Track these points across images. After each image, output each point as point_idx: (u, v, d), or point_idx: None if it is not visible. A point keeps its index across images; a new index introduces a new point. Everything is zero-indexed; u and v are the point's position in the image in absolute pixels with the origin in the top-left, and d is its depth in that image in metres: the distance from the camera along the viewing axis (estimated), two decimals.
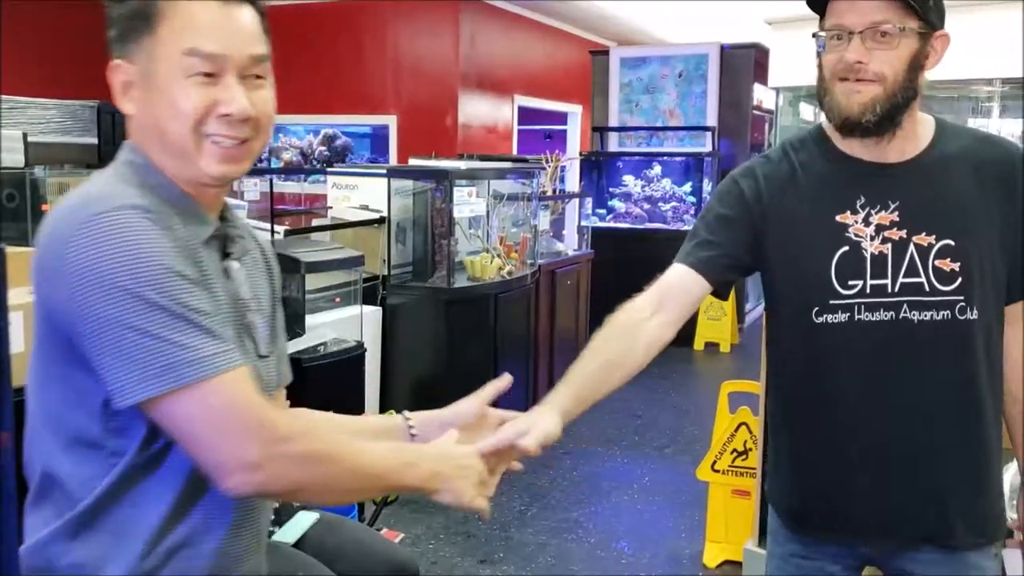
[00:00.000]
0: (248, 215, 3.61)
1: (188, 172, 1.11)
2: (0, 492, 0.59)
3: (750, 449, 3.33)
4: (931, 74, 2.77)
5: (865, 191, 1.41)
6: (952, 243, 1.38)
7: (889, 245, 1.39)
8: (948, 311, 1.38)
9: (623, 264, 7.28)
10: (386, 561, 2.30)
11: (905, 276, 1.38)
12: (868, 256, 1.39)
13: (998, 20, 2.50)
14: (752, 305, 8.07)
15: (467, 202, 4.54)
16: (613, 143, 8.20)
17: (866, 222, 1.40)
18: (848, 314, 1.40)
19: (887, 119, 1.36)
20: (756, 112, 7.81)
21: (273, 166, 8.71)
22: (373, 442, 1.25)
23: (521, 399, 4.97)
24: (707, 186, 7.56)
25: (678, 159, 7.79)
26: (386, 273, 4.43)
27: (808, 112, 3.54)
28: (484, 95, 8.21)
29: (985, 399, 1.42)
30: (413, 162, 5.56)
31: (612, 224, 7.79)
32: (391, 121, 8.09)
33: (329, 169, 5.21)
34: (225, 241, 1.17)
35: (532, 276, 5.06)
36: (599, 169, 8.06)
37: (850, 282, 1.40)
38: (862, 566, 1.57)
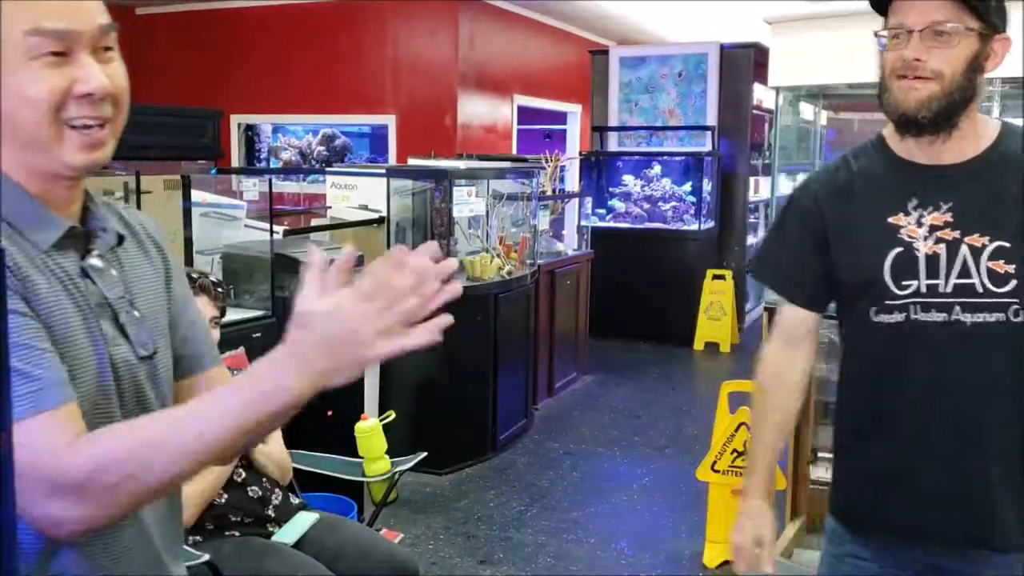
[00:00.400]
0: (247, 215, 3.60)
1: (43, 166, 0.99)
2: (0, 492, 0.58)
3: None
4: None
5: (918, 192, 1.43)
6: (1007, 245, 1.37)
7: (943, 246, 1.40)
8: (1002, 313, 1.37)
9: (623, 264, 7.32)
10: (386, 561, 2.30)
11: (958, 277, 1.39)
12: (921, 256, 1.40)
13: None
14: (752, 305, 8.07)
15: (466, 202, 4.54)
16: (613, 143, 8.20)
17: (919, 223, 1.42)
18: (904, 314, 1.42)
19: (943, 117, 1.38)
20: (756, 111, 7.80)
21: (272, 166, 8.71)
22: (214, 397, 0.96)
23: (520, 399, 4.96)
24: (707, 185, 7.56)
25: (678, 159, 7.79)
26: None
27: (808, 111, 3.53)
28: (483, 95, 8.21)
29: None
30: (412, 162, 5.56)
31: (612, 224, 7.78)
32: (390, 121, 8.08)
33: (328, 169, 5.20)
34: (88, 238, 1.06)
35: (532, 276, 5.06)
36: (599, 169, 8.06)
37: (904, 282, 1.41)
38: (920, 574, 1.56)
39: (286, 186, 8.12)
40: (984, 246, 1.38)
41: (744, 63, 7.60)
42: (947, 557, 1.49)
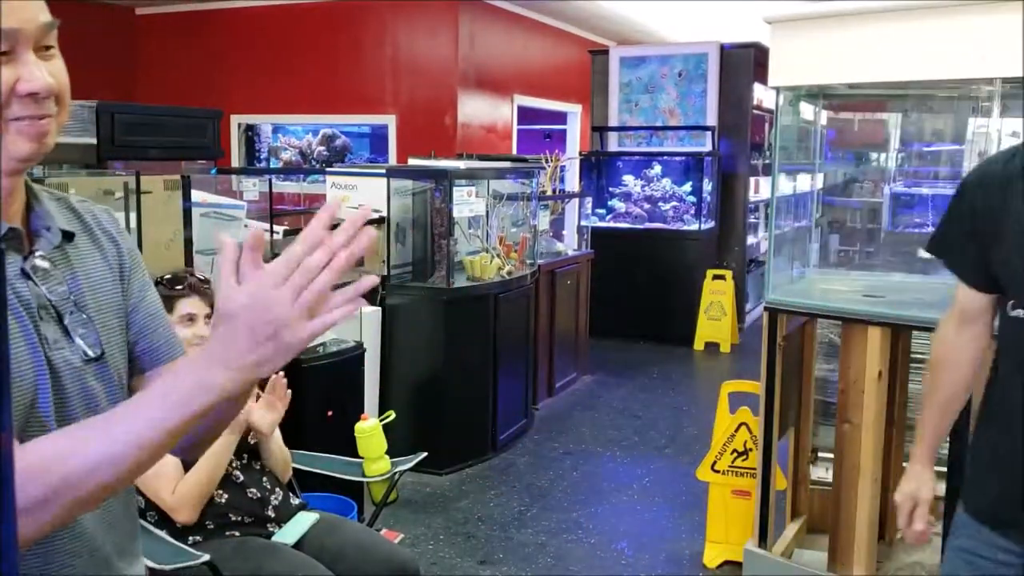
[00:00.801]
0: (247, 215, 3.60)
1: None
2: (0, 494, 0.58)
3: (750, 449, 3.33)
4: (932, 73, 2.76)
5: None
6: None
7: None
8: None
9: (623, 264, 7.32)
10: (386, 561, 2.30)
11: None
12: None
13: (998, 20, 2.50)
14: (752, 305, 8.07)
15: (466, 202, 4.54)
16: (613, 143, 8.20)
17: None
18: None
19: None
20: (756, 111, 7.80)
21: (272, 166, 8.71)
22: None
23: (520, 399, 4.96)
24: (707, 185, 7.56)
25: (678, 159, 7.79)
26: (385, 273, 4.42)
27: (808, 111, 3.53)
28: (483, 94, 8.21)
29: None
30: (412, 162, 5.56)
31: (612, 224, 7.78)
32: (390, 121, 8.08)
33: (328, 169, 5.20)
34: (31, 238, 1.04)
35: (532, 276, 5.06)
36: (599, 169, 8.06)
37: None
38: None
39: (286, 186, 8.12)
40: None
41: (744, 63, 7.60)
42: None
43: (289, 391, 2.40)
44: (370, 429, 2.85)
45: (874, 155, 4.27)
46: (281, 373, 2.41)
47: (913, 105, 3.89)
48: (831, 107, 3.75)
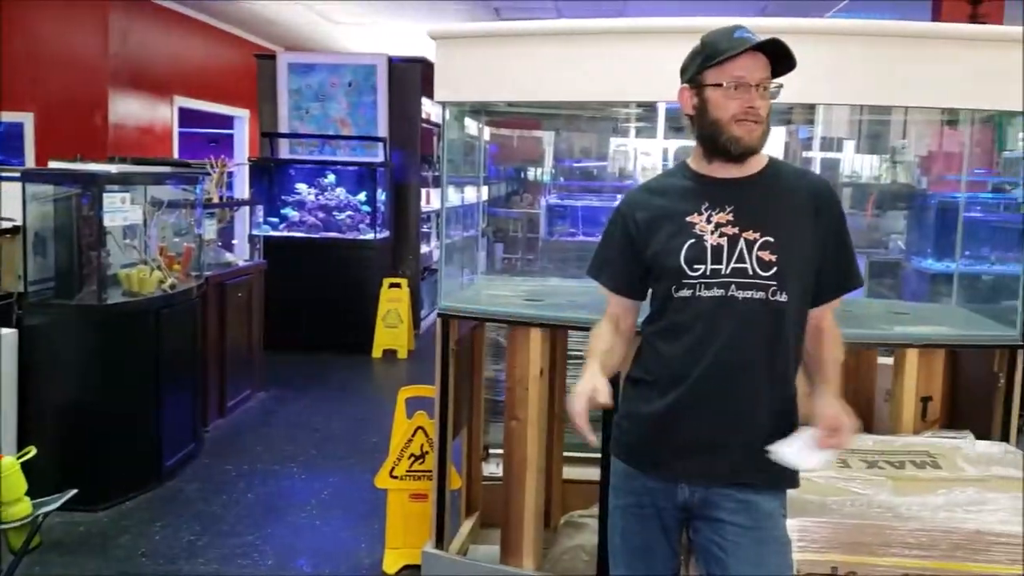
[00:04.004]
0: None
1: None
2: None
3: (427, 452, 3.41)
4: (579, 95, 3.01)
5: (709, 198, 1.82)
6: (771, 239, 1.77)
7: (725, 239, 1.78)
8: (763, 292, 1.77)
9: (299, 274, 7.17)
10: None
11: (736, 262, 1.77)
12: (708, 247, 1.78)
13: (638, 49, 2.79)
14: (427, 312, 8.31)
15: (120, 209, 4.16)
16: (284, 150, 8.00)
17: (708, 221, 1.80)
18: (692, 291, 1.79)
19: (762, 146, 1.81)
20: (426, 124, 8.05)
21: None
22: None
23: (189, 420, 4.65)
24: (380, 195, 7.65)
25: (351, 168, 7.79)
26: (22, 290, 3.93)
27: (472, 127, 3.70)
28: (139, 94, 7.62)
29: (790, 364, 1.83)
30: (54, 165, 4.99)
31: (286, 233, 7.58)
32: (27, 119, 7.20)
33: None
34: None
35: (198, 289, 4.76)
36: (270, 176, 7.82)
37: (695, 266, 1.79)
38: (682, 516, 1.86)
39: None
40: (756, 240, 1.77)
41: (412, 77, 7.81)
42: (708, 497, 1.81)
43: None
44: (5, 469, 2.49)
45: (532, 170, 4.61)
46: None
47: (564, 124, 4.26)
48: (493, 123, 3.98)
